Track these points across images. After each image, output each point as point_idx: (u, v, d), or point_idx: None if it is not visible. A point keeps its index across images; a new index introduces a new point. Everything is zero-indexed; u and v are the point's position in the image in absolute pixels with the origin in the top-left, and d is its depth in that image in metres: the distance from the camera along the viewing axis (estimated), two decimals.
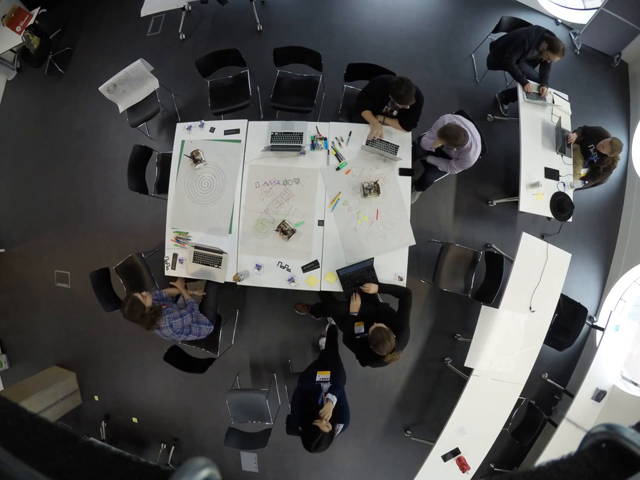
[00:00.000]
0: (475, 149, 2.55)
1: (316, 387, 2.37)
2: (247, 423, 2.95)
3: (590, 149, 3.10)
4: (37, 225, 4.22)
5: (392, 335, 2.11)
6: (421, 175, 3.12)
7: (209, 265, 2.73)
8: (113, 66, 3.59)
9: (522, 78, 3.16)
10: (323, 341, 3.43)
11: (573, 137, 3.10)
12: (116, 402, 3.90)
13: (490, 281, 3.07)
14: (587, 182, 3.20)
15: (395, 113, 2.72)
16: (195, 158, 2.82)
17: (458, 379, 3.19)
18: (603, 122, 3.53)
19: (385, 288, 2.48)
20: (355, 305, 2.43)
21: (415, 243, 2.67)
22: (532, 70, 3.28)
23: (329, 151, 2.79)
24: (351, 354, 2.41)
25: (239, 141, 2.85)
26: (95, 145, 4.14)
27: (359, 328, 2.41)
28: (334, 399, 2.22)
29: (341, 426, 2.17)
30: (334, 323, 3.35)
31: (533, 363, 2.91)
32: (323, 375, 2.45)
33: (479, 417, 2.85)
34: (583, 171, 3.19)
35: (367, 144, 2.74)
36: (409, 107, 2.56)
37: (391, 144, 2.75)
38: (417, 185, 3.20)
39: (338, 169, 2.76)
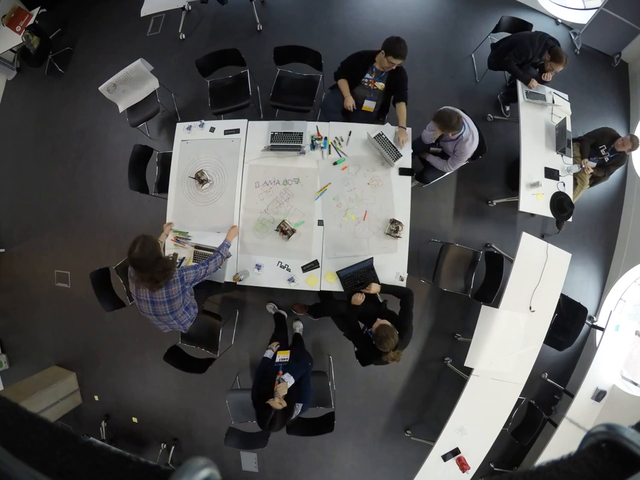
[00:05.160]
0: (471, 141, 2.56)
1: (275, 367, 2.40)
2: (246, 422, 2.95)
3: (601, 149, 3.13)
4: (37, 225, 4.22)
5: (395, 331, 2.13)
6: (419, 172, 3.11)
7: None
8: (112, 66, 3.59)
9: (524, 77, 3.16)
10: (297, 325, 3.45)
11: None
12: (116, 402, 3.90)
13: (490, 281, 3.07)
14: (594, 174, 3.23)
15: (380, 85, 2.71)
16: (200, 179, 2.75)
17: (458, 379, 3.19)
18: (603, 122, 3.54)
19: (386, 289, 2.47)
20: (357, 299, 2.40)
21: (397, 252, 2.65)
22: (535, 72, 3.27)
23: (329, 150, 2.79)
24: (350, 354, 2.40)
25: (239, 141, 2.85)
26: (95, 145, 4.14)
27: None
28: (290, 380, 2.22)
29: (300, 405, 2.18)
30: (281, 312, 3.40)
31: (533, 362, 2.91)
32: (282, 356, 2.50)
33: (479, 416, 2.85)
34: (591, 163, 3.18)
35: (375, 137, 2.71)
36: (395, 68, 2.61)
37: (396, 150, 2.71)
38: (417, 177, 3.18)
39: (335, 163, 2.76)
